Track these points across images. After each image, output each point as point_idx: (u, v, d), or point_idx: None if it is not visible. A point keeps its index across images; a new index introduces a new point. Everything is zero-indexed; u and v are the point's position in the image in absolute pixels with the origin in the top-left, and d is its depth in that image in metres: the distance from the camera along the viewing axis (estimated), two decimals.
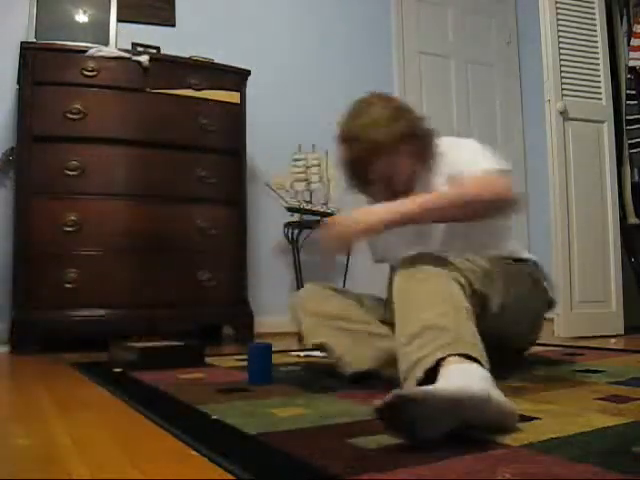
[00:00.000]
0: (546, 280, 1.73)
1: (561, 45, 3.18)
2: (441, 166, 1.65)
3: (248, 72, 3.22)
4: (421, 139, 1.64)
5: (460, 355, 1.12)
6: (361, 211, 1.51)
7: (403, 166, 1.63)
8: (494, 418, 0.99)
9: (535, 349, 1.97)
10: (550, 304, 1.76)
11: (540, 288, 1.70)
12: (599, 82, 3.29)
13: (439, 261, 1.35)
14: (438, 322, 1.19)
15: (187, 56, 3.12)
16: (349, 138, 1.62)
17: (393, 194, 1.59)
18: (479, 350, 1.16)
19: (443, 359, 1.13)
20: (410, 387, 1.09)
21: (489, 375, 1.09)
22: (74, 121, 2.72)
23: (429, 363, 1.13)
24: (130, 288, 2.77)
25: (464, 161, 1.58)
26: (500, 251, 1.66)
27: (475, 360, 1.12)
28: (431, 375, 1.12)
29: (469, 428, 0.98)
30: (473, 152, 1.63)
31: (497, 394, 1.02)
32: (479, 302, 1.40)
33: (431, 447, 0.93)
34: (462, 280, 1.34)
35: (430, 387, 0.99)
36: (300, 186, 3.48)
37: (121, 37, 3.09)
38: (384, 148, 1.58)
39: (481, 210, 1.45)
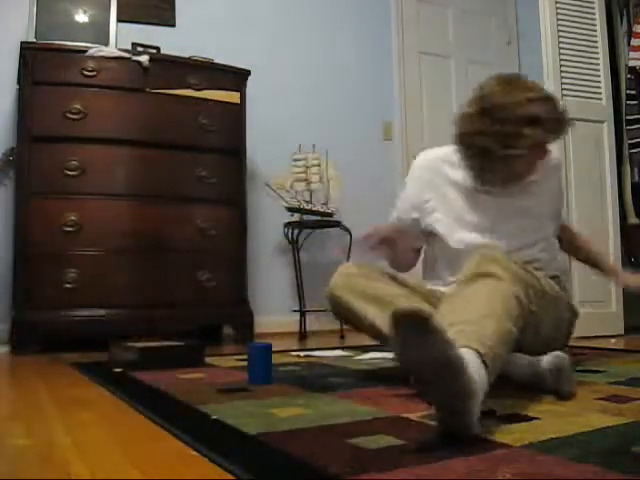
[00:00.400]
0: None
1: (561, 45, 3.19)
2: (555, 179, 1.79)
3: (248, 72, 3.22)
4: None
5: (480, 356, 1.10)
6: None
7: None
8: (464, 416, 0.97)
9: None
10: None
11: (572, 305, 1.74)
12: (599, 82, 3.29)
13: (509, 268, 1.33)
14: (478, 321, 1.18)
15: (187, 56, 3.12)
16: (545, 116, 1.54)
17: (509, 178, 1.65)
18: (496, 366, 1.13)
19: (466, 347, 1.09)
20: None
21: (487, 388, 1.07)
22: (74, 121, 2.73)
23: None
24: (130, 288, 2.77)
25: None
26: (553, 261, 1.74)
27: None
28: None
29: (444, 409, 0.98)
30: None
31: (480, 401, 1.00)
32: (533, 322, 1.40)
33: (431, 447, 0.93)
34: (522, 296, 1.33)
35: (446, 336, 0.97)
36: (300, 186, 3.48)
37: (121, 37, 3.09)
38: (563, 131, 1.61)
39: None
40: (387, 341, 1.51)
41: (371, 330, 1.61)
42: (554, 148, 1.77)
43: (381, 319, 1.52)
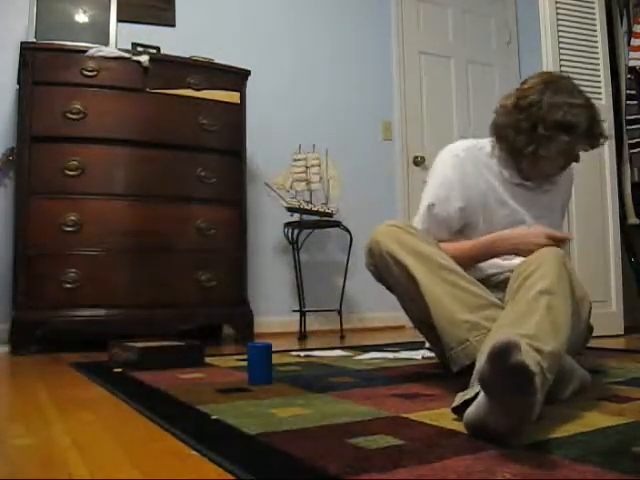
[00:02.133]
0: None
1: (561, 45, 3.19)
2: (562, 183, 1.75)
3: (248, 72, 3.22)
4: None
5: None
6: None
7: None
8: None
9: None
10: None
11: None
12: (599, 82, 3.29)
13: (579, 284, 1.33)
14: (552, 355, 1.14)
15: (187, 56, 3.12)
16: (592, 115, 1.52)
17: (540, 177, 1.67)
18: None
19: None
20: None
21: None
22: (74, 121, 2.72)
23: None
24: (130, 288, 2.77)
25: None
26: None
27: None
28: None
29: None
30: None
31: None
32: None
33: (431, 447, 0.93)
34: (577, 315, 1.33)
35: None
36: (300, 186, 3.48)
37: (121, 37, 3.09)
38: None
39: None
40: (415, 294, 1.44)
41: (402, 278, 1.48)
42: None
43: (418, 270, 1.44)
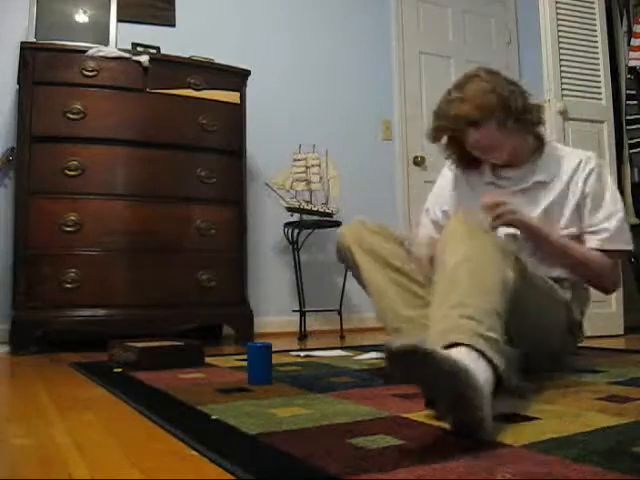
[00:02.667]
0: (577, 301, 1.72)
1: (561, 45, 3.19)
2: (565, 177, 1.70)
3: (248, 72, 3.22)
4: (515, 113, 1.62)
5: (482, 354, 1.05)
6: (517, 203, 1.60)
7: (495, 138, 1.65)
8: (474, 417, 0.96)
9: None
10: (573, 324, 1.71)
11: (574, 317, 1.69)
12: (599, 82, 3.29)
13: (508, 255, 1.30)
14: (487, 309, 1.14)
15: (187, 56, 3.12)
16: (437, 113, 1.68)
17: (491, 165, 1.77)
18: (500, 357, 1.08)
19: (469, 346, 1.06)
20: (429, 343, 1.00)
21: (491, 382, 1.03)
22: (74, 121, 2.73)
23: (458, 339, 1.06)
24: (130, 288, 2.77)
25: (604, 213, 1.67)
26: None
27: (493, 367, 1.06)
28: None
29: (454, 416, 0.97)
30: (614, 205, 1.69)
31: (488, 396, 0.99)
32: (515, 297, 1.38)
33: (431, 447, 0.93)
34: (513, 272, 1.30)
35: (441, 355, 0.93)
36: (300, 186, 3.48)
37: (121, 37, 3.09)
38: (468, 121, 1.62)
39: (590, 280, 1.71)
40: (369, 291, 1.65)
41: (360, 279, 1.70)
42: (582, 154, 1.75)
43: (365, 265, 1.65)
